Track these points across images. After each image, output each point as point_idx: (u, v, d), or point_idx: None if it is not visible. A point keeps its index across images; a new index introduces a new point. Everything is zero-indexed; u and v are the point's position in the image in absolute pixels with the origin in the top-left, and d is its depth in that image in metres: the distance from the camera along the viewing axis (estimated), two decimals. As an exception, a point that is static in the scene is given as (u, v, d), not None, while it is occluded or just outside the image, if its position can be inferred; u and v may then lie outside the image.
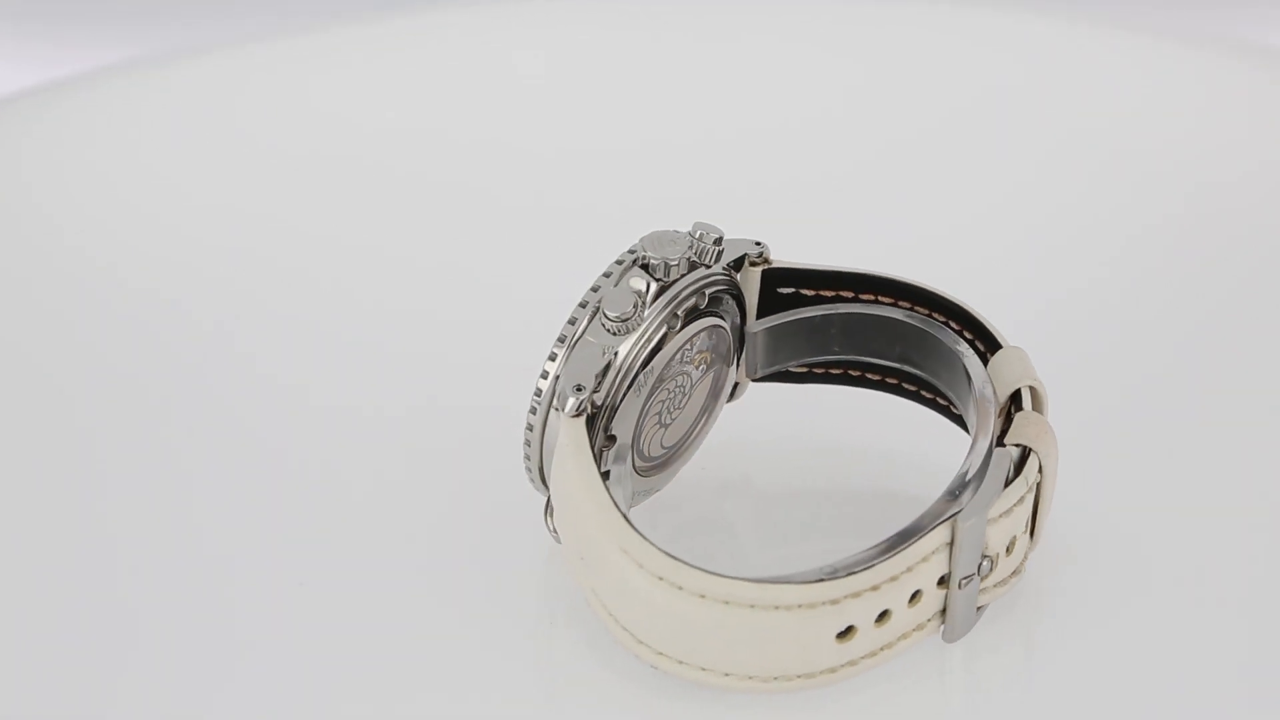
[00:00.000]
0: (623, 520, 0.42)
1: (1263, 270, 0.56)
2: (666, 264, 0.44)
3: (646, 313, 0.44)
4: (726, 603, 0.41)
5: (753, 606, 0.41)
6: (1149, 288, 0.56)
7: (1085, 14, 0.66)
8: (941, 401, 0.48)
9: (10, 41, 0.78)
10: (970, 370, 0.46)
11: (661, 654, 0.42)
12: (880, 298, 0.47)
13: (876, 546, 0.42)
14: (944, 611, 0.43)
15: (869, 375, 0.49)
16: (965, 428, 0.47)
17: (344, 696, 0.44)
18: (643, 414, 0.45)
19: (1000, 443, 0.44)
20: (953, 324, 0.47)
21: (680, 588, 0.41)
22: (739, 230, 0.48)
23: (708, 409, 0.48)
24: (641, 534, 0.41)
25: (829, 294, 0.47)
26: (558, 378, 0.44)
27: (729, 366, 0.48)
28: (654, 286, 0.44)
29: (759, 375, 0.49)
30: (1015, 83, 0.64)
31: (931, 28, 0.66)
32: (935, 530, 0.42)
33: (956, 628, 0.44)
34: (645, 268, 0.45)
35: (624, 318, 0.44)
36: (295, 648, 0.45)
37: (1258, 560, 0.46)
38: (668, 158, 0.61)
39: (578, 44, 0.67)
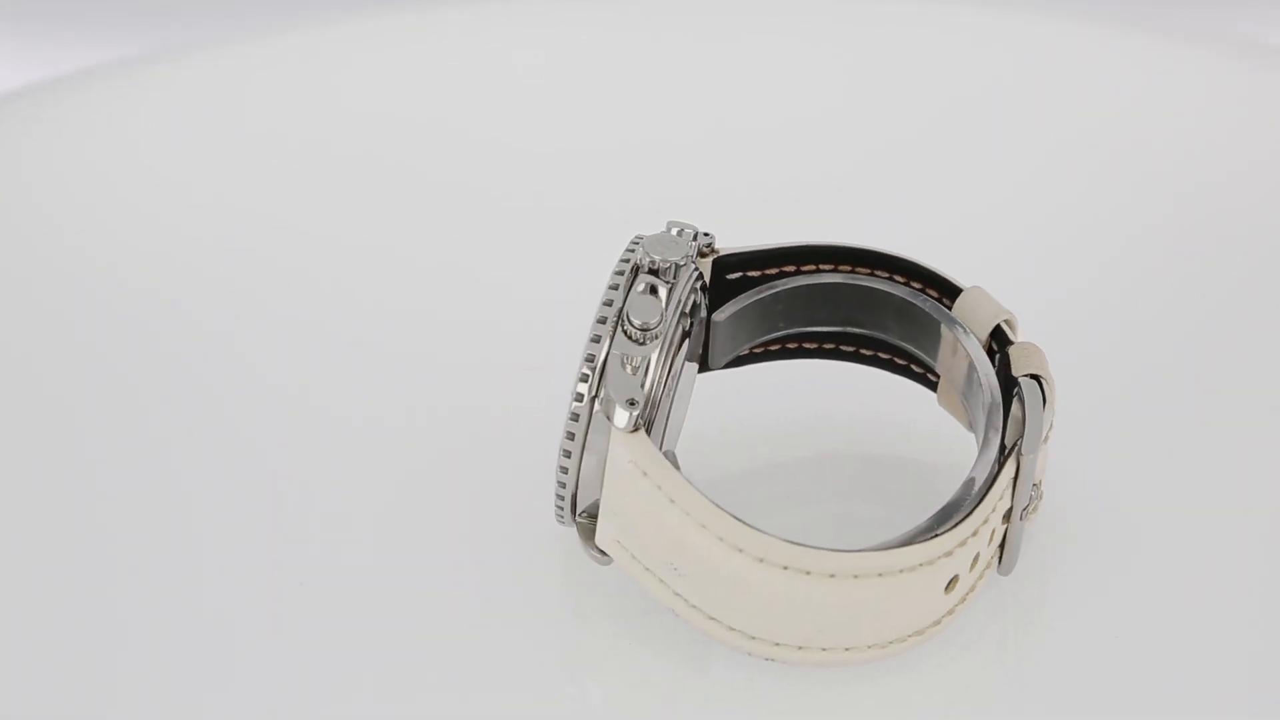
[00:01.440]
0: (733, 519, 0.41)
1: (1262, 269, 0.56)
2: (676, 266, 0.44)
3: (667, 316, 0.44)
4: (856, 576, 0.42)
5: (880, 575, 0.42)
6: (1149, 287, 0.56)
7: (1083, 13, 0.66)
8: (884, 356, 0.49)
9: (10, 41, 0.78)
10: (938, 316, 0.46)
11: (778, 644, 0.43)
12: (821, 266, 0.48)
13: (961, 493, 0.43)
14: (1001, 546, 0.45)
15: (806, 345, 0.49)
16: (913, 376, 0.49)
17: (367, 698, 0.44)
18: (665, 420, 0.45)
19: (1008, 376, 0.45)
20: (898, 277, 0.47)
21: (808, 572, 0.41)
22: (738, 230, 0.48)
23: (684, 405, 0.48)
24: (756, 528, 0.41)
25: (773, 272, 0.47)
26: (595, 399, 0.43)
27: (695, 361, 0.48)
28: (663, 290, 0.44)
29: (722, 364, 0.49)
30: (1015, 82, 0.64)
31: (930, 27, 0.66)
32: (1006, 466, 0.43)
33: (1011, 560, 0.45)
34: (654, 272, 0.44)
35: (649, 326, 0.43)
36: (305, 648, 0.45)
37: (1258, 558, 0.47)
38: (668, 157, 0.61)
39: (579, 43, 0.66)
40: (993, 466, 0.44)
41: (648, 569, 0.43)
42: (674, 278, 0.44)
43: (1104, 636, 0.45)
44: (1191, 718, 0.44)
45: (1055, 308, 0.54)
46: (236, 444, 0.51)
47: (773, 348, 0.49)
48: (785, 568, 0.41)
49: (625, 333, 0.43)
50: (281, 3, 0.75)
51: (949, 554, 0.42)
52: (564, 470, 0.44)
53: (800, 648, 0.43)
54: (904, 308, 0.47)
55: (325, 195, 0.61)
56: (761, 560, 0.41)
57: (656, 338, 0.43)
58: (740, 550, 0.41)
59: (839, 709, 0.44)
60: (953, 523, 0.43)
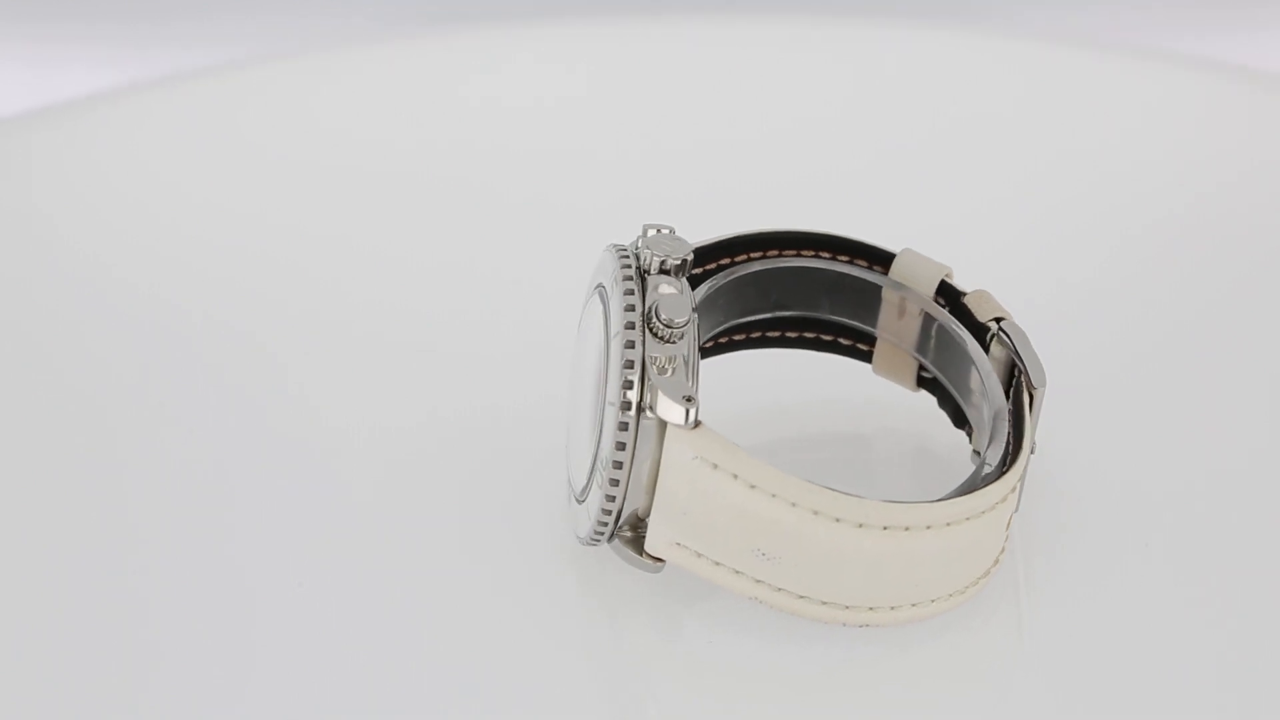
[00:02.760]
0: (826, 489, 0.41)
1: (1252, 270, 0.58)
2: (686, 262, 0.44)
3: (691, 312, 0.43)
4: (949, 524, 0.42)
5: (968, 519, 0.42)
6: (1142, 287, 0.57)
7: (1074, 36, 0.69)
8: (809, 335, 0.50)
9: (27, 60, 0.76)
10: (878, 281, 0.48)
11: (872, 609, 0.43)
12: (751, 255, 0.48)
13: (994, 435, 0.44)
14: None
15: (735, 337, 0.49)
16: (841, 350, 0.49)
17: (379, 699, 0.43)
18: None
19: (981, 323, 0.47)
20: (825, 253, 0.48)
21: (907, 528, 0.41)
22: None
23: None
24: (849, 493, 0.41)
25: (712, 267, 0.48)
26: (640, 404, 0.42)
27: None
28: (675, 287, 0.43)
29: None
30: (1002, 108, 0.64)
31: (926, 54, 0.67)
32: (1022, 400, 0.45)
33: (1021, 497, 0.46)
34: (665, 272, 0.43)
35: (677, 324, 0.42)
36: (305, 650, 0.44)
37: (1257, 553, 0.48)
38: (660, 161, 0.61)
39: (578, 68, 0.66)
40: (1007, 405, 0.45)
41: (718, 564, 0.43)
42: (685, 274, 0.44)
43: (1107, 617, 0.45)
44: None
45: (1052, 301, 0.55)
46: (237, 444, 0.50)
47: (707, 345, 0.49)
48: (885, 528, 0.42)
49: (654, 333, 0.42)
50: (299, 28, 0.76)
51: (1013, 489, 0.43)
52: (614, 484, 0.42)
53: (893, 608, 0.43)
54: (836, 281, 0.48)
55: (331, 203, 0.60)
56: (861, 525, 0.41)
57: (683, 336, 0.42)
58: (838, 520, 0.41)
59: (861, 686, 0.44)
60: (1009, 460, 0.44)
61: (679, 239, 0.44)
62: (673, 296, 0.43)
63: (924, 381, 0.49)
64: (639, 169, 0.61)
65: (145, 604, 0.45)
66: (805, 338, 0.50)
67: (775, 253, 0.48)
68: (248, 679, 0.44)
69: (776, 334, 0.50)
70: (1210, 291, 0.56)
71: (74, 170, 0.61)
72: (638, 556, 0.43)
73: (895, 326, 0.48)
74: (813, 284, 0.49)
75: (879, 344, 0.49)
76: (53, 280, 0.56)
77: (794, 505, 0.41)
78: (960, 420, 0.49)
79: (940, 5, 0.76)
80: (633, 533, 0.44)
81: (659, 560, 0.43)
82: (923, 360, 0.49)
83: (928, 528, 0.42)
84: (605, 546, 0.44)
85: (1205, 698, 0.44)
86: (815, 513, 0.41)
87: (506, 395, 0.51)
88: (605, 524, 0.43)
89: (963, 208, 0.60)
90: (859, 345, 0.50)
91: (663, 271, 0.43)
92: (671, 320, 0.42)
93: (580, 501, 0.45)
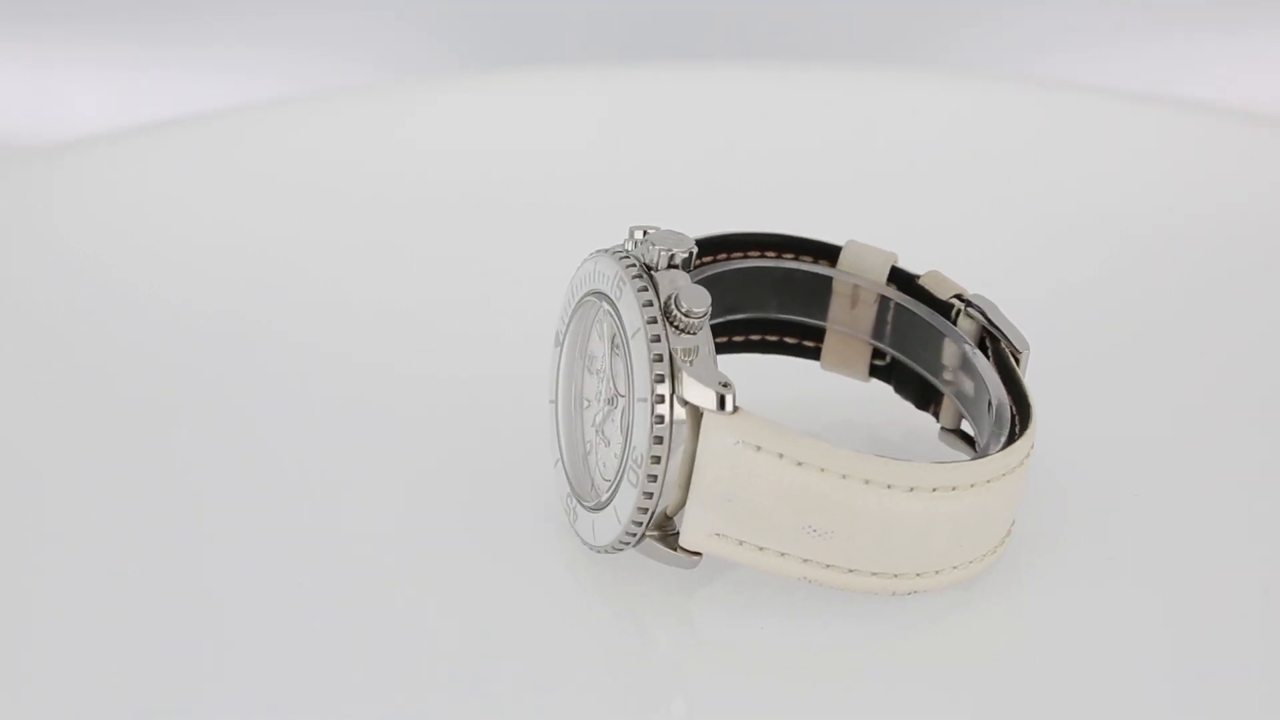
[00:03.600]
0: (876, 457, 0.41)
1: (1250, 276, 0.59)
2: (692, 255, 0.43)
3: None
4: (989, 481, 0.42)
5: (1004, 475, 0.43)
6: (1140, 291, 0.58)
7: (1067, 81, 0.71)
8: (754, 337, 0.50)
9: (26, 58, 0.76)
10: (827, 273, 0.48)
11: (919, 575, 0.43)
12: (703, 260, 0.48)
13: (998, 404, 0.45)
14: None
15: None
16: (787, 350, 0.50)
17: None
18: None
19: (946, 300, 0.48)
20: (771, 253, 0.49)
21: (954, 488, 0.42)
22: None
23: None
24: (897, 459, 0.41)
25: None
26: (674, 396, 0.41)
27: None
28: (687, 278, 0.43)
29: None
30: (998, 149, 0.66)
31: (929, 92, 0.68)
32: (1010, 363, 0.46)
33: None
34: (676, 266, 0.43)
35: (697, 314, 0.42)
36: (307, 651, 0.43)
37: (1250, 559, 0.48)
38: (664, 173, 0.62)
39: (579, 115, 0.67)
40: (994, 370, 0.46)
41: (762, 549, 0.42)
42: (690, 267, 0.44)
43: (1106, 609, 0.45)
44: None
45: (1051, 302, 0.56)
46: (236, 446, 0.50)
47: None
48: (934, 489, 0.42)
49: (674, 325, 0.42)
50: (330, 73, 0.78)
51: (1033, 444, 0.44)
52: (652, 480, 0.42)
53: (937, 572, 0.43)
54: (784, 278, 0.49)
55: (337, 219, 0.61)
56: (912, 489, 0.42)
57: (703, 326, 0.42)
58: (889, 486, 0.41)
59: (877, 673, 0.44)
60: (1020, 419, 0.45)
61: (679, 234, 0.44)
62: (693, 288, 0.42)
63: (877, 370, 0.50)
64: (632, 179, 0.62)
65: (139, 606, 0.44)
66: (751, 340, 0.50)
67: (725, 256, 0.48)
68: (247, 680, 0.43)
69: (724, 339, 0.50)
70: (1208, 292, 0.58)
71: (97, 199, 0.62)
72: (672, 553, 0.43)
73: (848, 317, 0.49)
74: (762, 284, 0.49)
75: (829, 337, 0.50)
76: (59, 291, 0.57)
77: (844, 477, 0.41)
78: (925, 400, 0.49)
79: (936, 55, 0.80)
80: (659, 532, 0.43)
81: (695, 554, 0.43)
82: (879, 345, 0.49)
83: (971, 486, 0.42)
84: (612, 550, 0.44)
85: (1204, 690, 0.44)
86: (867, 481, 0.41)
87: (508, 396, 0.50)
88: (640, 523, 0.42)
89: (954, 225, 0.61)
90: (805, 342, 0.50)
91: (671, 266, 0.43)
92: (691, 310, 0.42)
93: (597, 509, 0.44)
